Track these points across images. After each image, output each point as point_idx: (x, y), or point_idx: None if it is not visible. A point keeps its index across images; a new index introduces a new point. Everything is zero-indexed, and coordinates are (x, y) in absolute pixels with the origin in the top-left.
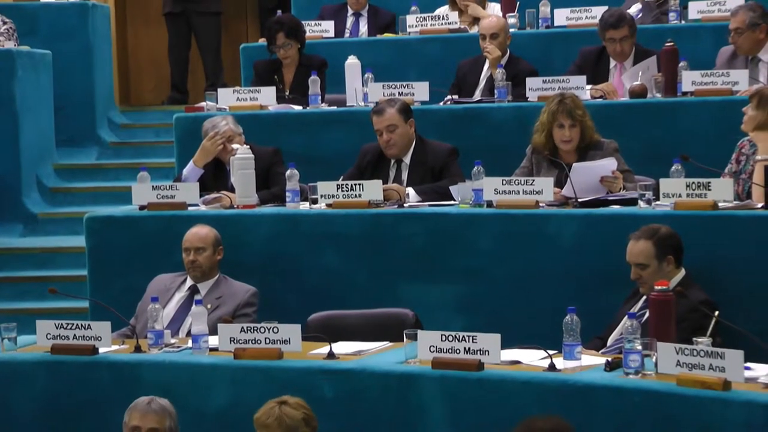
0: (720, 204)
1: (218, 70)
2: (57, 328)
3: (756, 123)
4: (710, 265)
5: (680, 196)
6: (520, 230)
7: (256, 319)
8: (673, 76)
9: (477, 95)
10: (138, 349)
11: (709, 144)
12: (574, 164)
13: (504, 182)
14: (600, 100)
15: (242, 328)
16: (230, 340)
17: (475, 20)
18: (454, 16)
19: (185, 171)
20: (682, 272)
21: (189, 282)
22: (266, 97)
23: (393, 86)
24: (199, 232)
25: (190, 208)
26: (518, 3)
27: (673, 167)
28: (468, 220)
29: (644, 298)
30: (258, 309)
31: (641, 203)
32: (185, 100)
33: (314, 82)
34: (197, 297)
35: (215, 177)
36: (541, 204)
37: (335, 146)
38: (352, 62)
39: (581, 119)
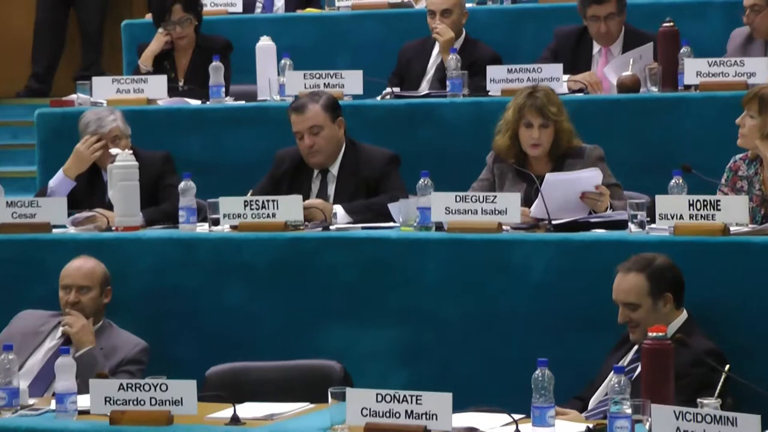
0: (732, 228)
1: (96, 54)
2: None
3: (763, 131)
4: (719, 306)
5: (681, 217)
6: (477, 260)
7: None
8: (672, 65)
9: (424, 87)
10: None
11: (717, 151)
12: (547, 176)
13: (458, 199)
14: (580, 94)
15: (121, 384)
16: (105, 401)
17: None
18: None
19: (52, 183)
20: (684, 314)
21: None
22: (155, 89)
23: (317, 75)
24: (84, 266)
25: (55, 231)
26: None
27: (673, 181)
28: (411, 246)
29: (635, 347)
30: (146, 369)
31: (632, 226)
32: (45, 92)
33: (216, 70)
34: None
35: (91, 190)
36: (504, 227)
37: (242, 152)
38: (265, 45)
39: (556, 118)
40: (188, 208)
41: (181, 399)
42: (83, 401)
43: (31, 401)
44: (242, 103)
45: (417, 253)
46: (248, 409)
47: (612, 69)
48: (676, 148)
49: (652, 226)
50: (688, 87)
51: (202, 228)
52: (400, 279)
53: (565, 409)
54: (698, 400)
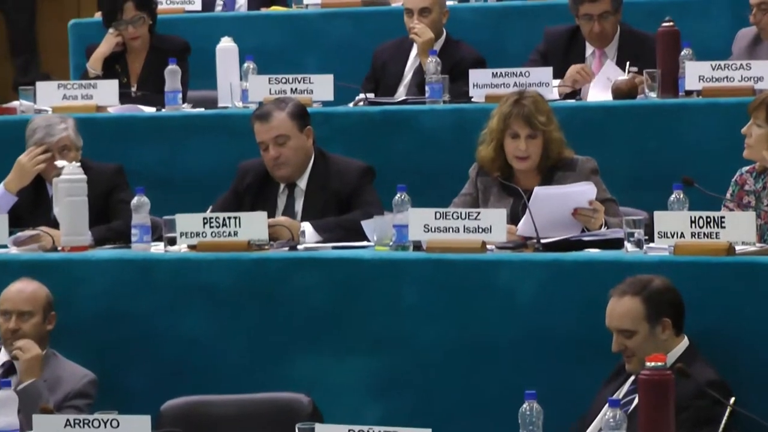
0: (737, 248)
1: (30, 55)
2: None
3: None
4: (723, 333)
5: (682, 235)
6: (459, 283)
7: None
8: (672, 69)
9: (401, 93)
10: None
11: (722, 164)
12: (535, 190)
13: (438, 215)
14: (572, 101)
15: (68, 421)
16: None
17: None
18: None
19: None
20: (685, 342)
21: (3, 356)
22: (105, 95)
23: (283, 80)
24: (25, 289)
25: None
26: None
27: (673, 195)
28: (387, 268)
29: (632, 378)
30: (94, 403)
31: (628, 245)
32: None
33: (172, 74)
34: (13, 378)
35: (34, 206)
36: (489, 246)
37: (201, 164)
38: (226, 46)
39: (544, 128)
40: (142, 226)
41: None
42: None
43: None
44: (201, 110)
45: (393, 275)
46: None
47: (606, 73)
48: (676, 160)
49: (651, 245)
50: (689, 93)
51: (157, 248)
52: (375, 303)
53: None
54: None
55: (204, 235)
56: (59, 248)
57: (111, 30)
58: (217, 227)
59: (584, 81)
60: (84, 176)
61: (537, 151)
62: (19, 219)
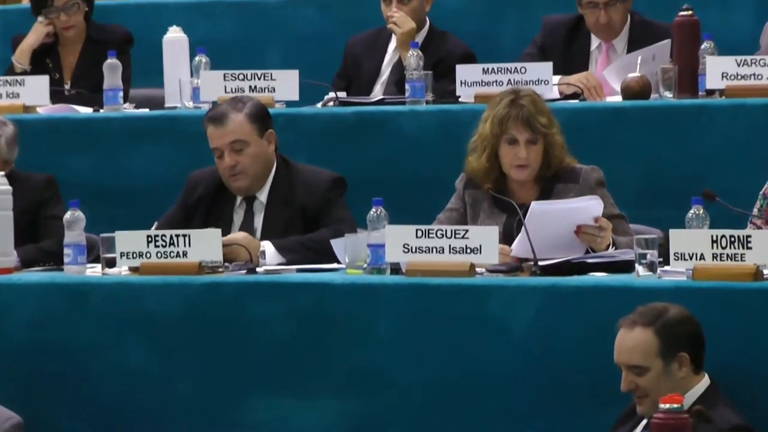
0: (765, 271)
1: None
2: None
3: None
4: (749, 370)
5: (702, 257)
6: (444, 312)
7: None
8: (691, 65)
9: (377, 92)
10: None
11: (747, 174)
12: (532, 205)
13: (419, 233)
14: (575, 101)
15: None
16: None
17: None
18: None
19: None
20: (705, 380)
21: None
22: (34, 93)
23: (241, 76)
24: None
25: None
26: None
27: (692, 211)
28: (360, 294)
29: (644, 421)
30: None
31: (640, 269)
32: None
33: (112, 69)
34: None
35: None
36: (478, 269)
37: (145, 174)
38: (175, 37)
39: (546, 131)
40: (76, 245)
41: None
42: None
43: None
44: (145, 111)
45: (368, 303)
46: None
47: (615, 69)
48: (695, 170)
49: (666, 268)
50: (710, 92)
51: (94, 271)
52: (347, 336)
53: None
54: None
55: (148, 255)
56: None
57: (40, 18)
58: (164, 247)
59: (591, 97)
60: (9, 188)
61: (537, 158)
62: None
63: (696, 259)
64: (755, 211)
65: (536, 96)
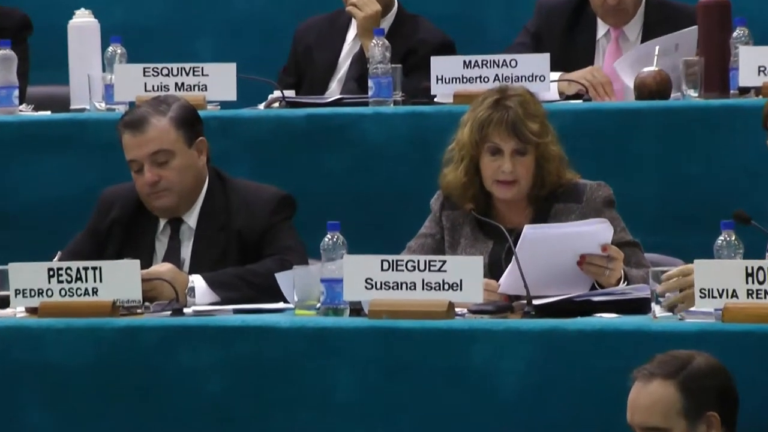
0: None
1: None
2: None
3: None
4: None
5: (734, 294)
6: (416, 363)
7: None
8: (720, 58)
9: (334, 90)
10: None
11: None
12: (526, 229)
13: (386, 265)
14: (578, 102)
15: None
16: None
17: None
18: None
19: None
20: None
21: None
22: None
23: (165, 71)
24: None
25: None
26: None
27: (721, 237)
28: (313, 341)
29: None
30: None
31: (657, 309)
32: None
33: (6, 63)
34: None
35: None
36: (458, 310)
37: (47, 191)
38: (83, 23)
39: (538, 140)
40: None
41: None
42: None
43: None
44: (46, 114)
45: (321, 352)
46: None
47: (627, 63)
48: (725, 187)
49: (690, 308)
50: (744, 90)
51: None
52: (295, 393)
53: None
54: None
55: (49, 293)
56: None
57: None
58: (69, 282)
59: (598, 96)
60: None
61: (526, 173)
62: None
63: (727, 296)
64: None
65: (528, 96)
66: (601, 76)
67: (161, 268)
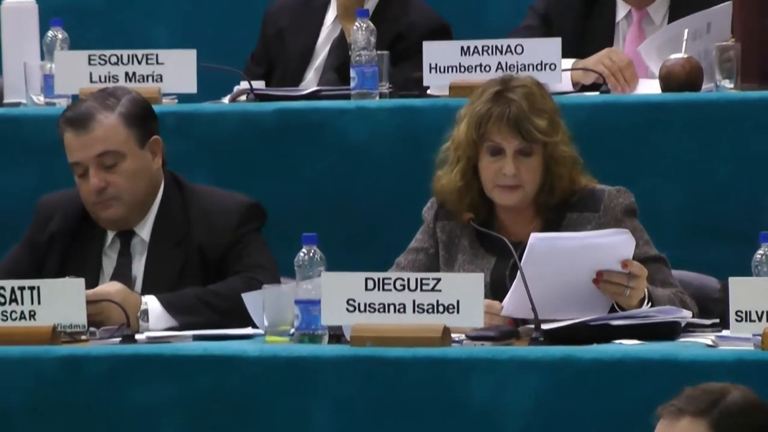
0: None
1: None
2: None
3: None
4: None
5: None
6: (406, 396)
7: None
8: (759, 43)
9: (310, 81)
10: None
11: None
12: (533, 239)
13: (371, 284)
14: (594, 94)
15: None
16: None
17: None
18: None
19: None
20: None
21: None
22: None
23: (114, 59)
24: None
25: None
26: None
27: (760, 251)
28: (287, 372)
29: None
30: None
31: (687, 334)
32: None
33: None
34: None
35: None
36: (455, 336)
37: None
38: (17, 4)
39: (546, 138)
40: None
41: None
42: None
43: None
44: None
45: (296, 385)
46: None
47: (652, 47)
48: (764, 193)
49: (723, 333)
50: None
51: None
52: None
53: None
54: None
55: None
56: None
57: None
58: (2, 304)
59: (618, 87)
60: None
61: (532, 176)
62: None
63: (766, 319)
64: None
65: (535, 87)
66: (620, 60)
67: (109, 288)
